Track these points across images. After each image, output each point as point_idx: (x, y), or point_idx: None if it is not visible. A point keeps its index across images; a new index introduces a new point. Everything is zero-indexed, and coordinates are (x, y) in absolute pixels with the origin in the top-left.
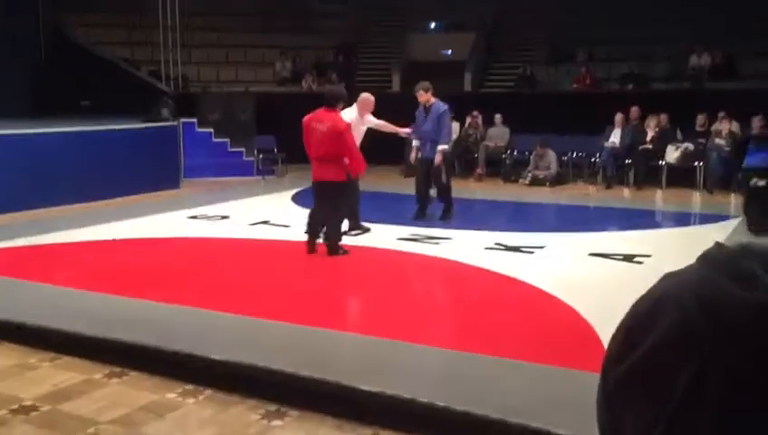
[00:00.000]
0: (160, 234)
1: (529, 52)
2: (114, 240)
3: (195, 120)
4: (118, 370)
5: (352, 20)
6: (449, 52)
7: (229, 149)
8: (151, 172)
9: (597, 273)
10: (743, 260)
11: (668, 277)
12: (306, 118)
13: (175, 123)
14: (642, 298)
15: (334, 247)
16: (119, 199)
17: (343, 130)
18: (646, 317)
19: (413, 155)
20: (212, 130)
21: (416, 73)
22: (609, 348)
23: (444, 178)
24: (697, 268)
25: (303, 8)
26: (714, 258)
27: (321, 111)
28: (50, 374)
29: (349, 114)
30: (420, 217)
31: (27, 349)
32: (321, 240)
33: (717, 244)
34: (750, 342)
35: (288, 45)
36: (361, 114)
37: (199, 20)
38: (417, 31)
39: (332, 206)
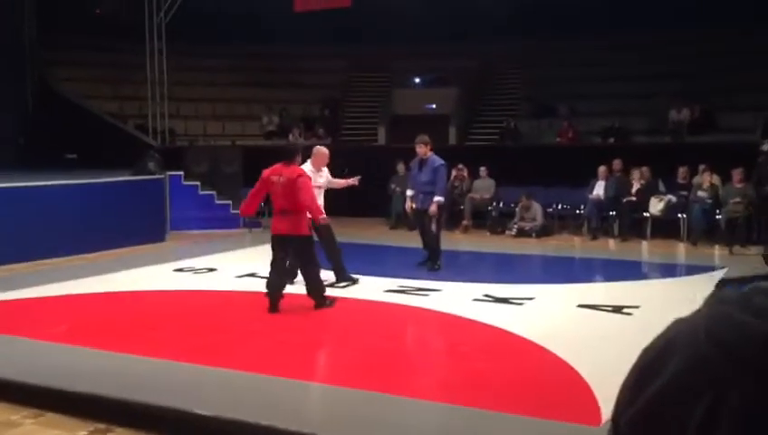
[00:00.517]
0: (147, 287)
1: (512, 106)
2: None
3: (181, 172)
4: (103, 426)
5: (338, 75)
6: (433, 106)
7: (216, 202)
8: (138, 225)
9: (587, 324)
10: (755, 296)
11: (680, 321)
12: (265, 172)
13: (161, 176)
14: (653, 341)
15: (320, 299)
16: (105, 252)
17: (301, 174)
18: (657, 358)
19: (408, 204)
20: (198, 182)
21: (401, 127)
22: (620, 393)
23: (434, 227)
24: (708, 307)
25: (290, 63)
26: (725, 296)
27: (279, 166)
28: (33, 431)
29: (305, 167)
30: (428, 267)
31: (10, 405)
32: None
33: (725, 283)
34: (764, 370)
35: (274, 99)
36: (316, 167)
37: (186, 75)
38: (402, 86)
39: (305, 260)
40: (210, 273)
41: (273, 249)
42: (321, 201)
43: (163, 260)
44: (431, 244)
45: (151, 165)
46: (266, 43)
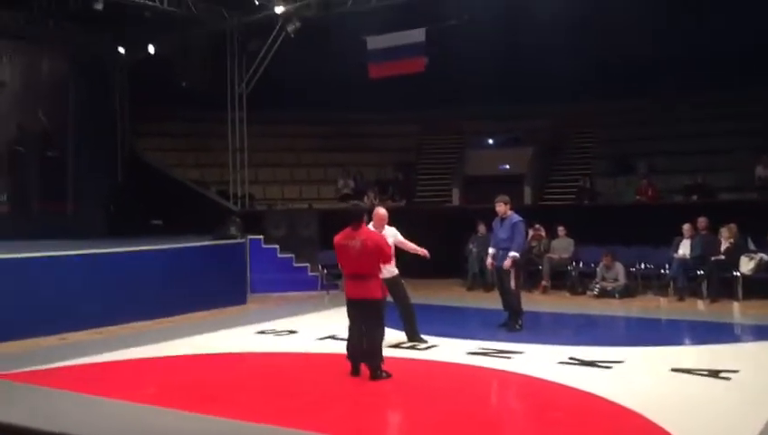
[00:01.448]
0: (231, 349)
1: (587, 164)
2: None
3: (261, 236)
4: None
5: (411, 138)
6: (507, 166)
7: (294, 265)
8: (220, 288)
9: (683, 389)
10: None
11: None
12: (338, 237)
13: (242, 240)
14: None
15: (376, 368)
16: (189, 315)
17: (379, 240)
18: None
19: (489, 261)
20: (277, 246)
21: (474, 188)
22: None
23: (512, 284)
24: None
25: (364, 128)
26: None
27: (349, 230)
28: None
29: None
30: (509, 327)
31: None
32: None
33: None
34: None
35: (349, 163)
36: (377, 228)
37: (265, 141)
38: (475, 147)
39: (372, 323)
40: (291, 335)
41: (349, 314)
42: (392, 261)
43: (246, 322)
44: (511, 303)
45: (233, 229)
46: (341, 109)
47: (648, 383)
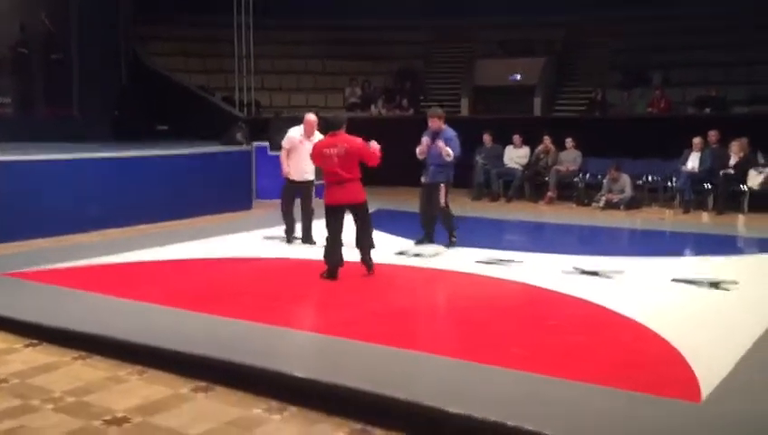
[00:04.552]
0: (241, 253)
1: (601, 75)
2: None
3: (267, 143)
4: (203, 384)
5: (421, 47)
6: (518, 76)
7: None
8: (226, 194)
9: (683, 299)
10: None
11: None
12: (318, 145)
13: (248, 147)
14: None
15: (371, 261)
16: (195, 219)
17: (361, 143)
18: None
19: (422, 179)
20: None
21: (484, 98)
22: None
23: (441, 200)
24: None
25: (372, 36)
26: None
27: (328, 138)
28: (139, 387)
29: (295, 133)
30: (426, 243)
31: (117, 362)
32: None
33: None
34: None
35: (357, 72)
36: (306, 135)
37: (271, 48)
38: (485, 56)
39: (367, 223)
40: (297, 241)
41: (333, 220)
42: (311, 166)
43: (253, 227)
44: (442, 221)
45: (239, 136)
46: (349, 16)
47: (648, 293)
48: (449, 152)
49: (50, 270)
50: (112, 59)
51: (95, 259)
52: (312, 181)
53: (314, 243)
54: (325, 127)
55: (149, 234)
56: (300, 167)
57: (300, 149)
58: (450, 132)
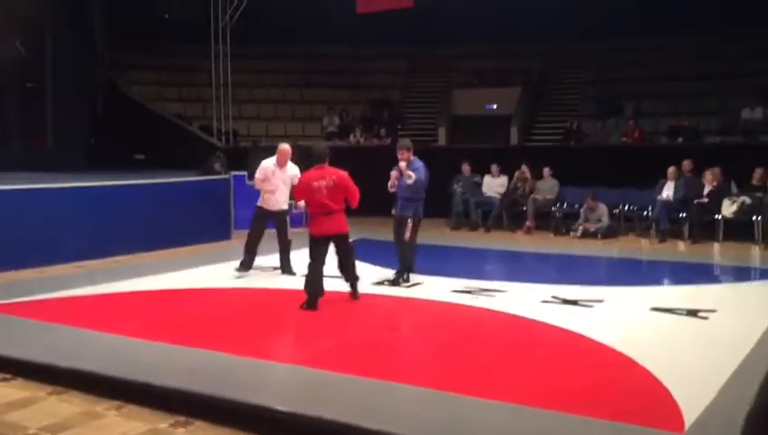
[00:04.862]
0: (216, 284)
1: (575, 106)
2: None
3: (245, 173)
4: (182, 419)
5: (398, 76)
6: (494, 106)
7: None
8: (204, 224)
9: (662, 328)
10: None
11: None
12: (307, 177)
13: (227, 177)
14: None
15: (356, 287)
16: (172, 250)
17: (347, 176)
18: None
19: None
20: None
21: (461, 127)
22: (755, 405)
23: (407, 234)
24: None
25: (350, 65)
26: None
27: (315, 170)
28: (116, 423)
29: (268, 164)
30: (392, 281)
31: (93, 397)
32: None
33: None
34: None
35: (335, 100)
36: (279, 164)
37: (249, 77)
38: (462, 86)
39: (350, 253)
40: (275, 271)
41: (319, 250)
42: (285, 196)
43: (232, 258)
44: (400, 252)
45: (217, 165)
46: (327, 44)
47: (628, 322)
48: (410, 174)
49: (24, 302)
50: (87, 87)
51: (71, 291)
52: (286, 211)
53: (294, 274)
54: (309, 159)
55: (127, 265)
56: (274, 197)
57: (273, 180)
58: (418, 163)
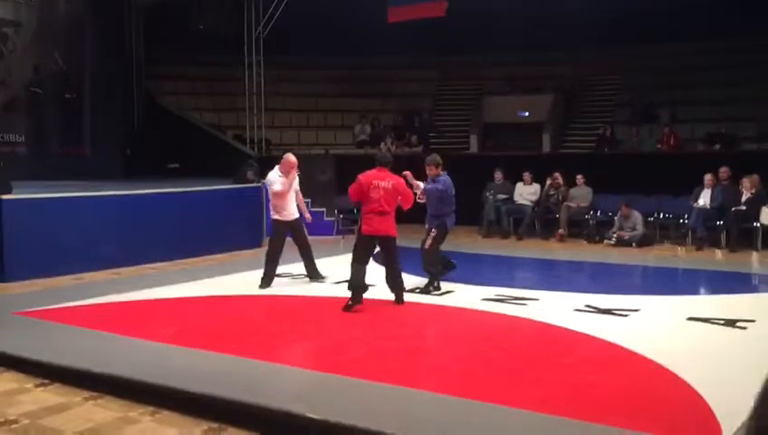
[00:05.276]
0: (250, 292)
1: (608, 112)
2: None
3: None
4: (216, 426)
5: (430, 84)
6: (526, 113)
7: (310, 209)
8: (236, 231)
9: (699, 338)
10: None
11: None
12: (366, 176)
13: (259, 185)
14: None
15: (402, 295)
16: (205, 257)
17: (404, 183)
18: None
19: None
20: None
21: (493, 135)
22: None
23: (428, 242)
24: None
25: (382, 74)
26: None
27: (376, 171)
28: (151, 429)
29: (273, 173)
30: (434, 285)
31: (128, 403)
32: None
33: None
34: None
35: (367, 109)
36: (284, 173)
37: (281, 86)
38: (494, 93)
39: (397, 256)
40: (305, 279)
41: (365, 249)
42: (290, 205)
43: (262, 265)
44: (426, 263)
45: (250, 174)
46: (359, 54)
47: (663, 332)
48: (419, 184)
49: (62, 309)
50: (125, 98)
51: (107, 298)
52: (299, 217)
53: (323, 278)
54: (375, 161)
55: (161, 272)
56: (288, 206)
57: (287, 190)
58: (446, 177)
